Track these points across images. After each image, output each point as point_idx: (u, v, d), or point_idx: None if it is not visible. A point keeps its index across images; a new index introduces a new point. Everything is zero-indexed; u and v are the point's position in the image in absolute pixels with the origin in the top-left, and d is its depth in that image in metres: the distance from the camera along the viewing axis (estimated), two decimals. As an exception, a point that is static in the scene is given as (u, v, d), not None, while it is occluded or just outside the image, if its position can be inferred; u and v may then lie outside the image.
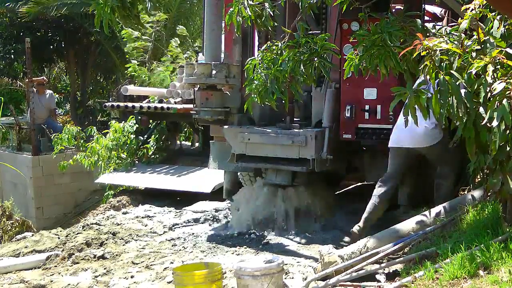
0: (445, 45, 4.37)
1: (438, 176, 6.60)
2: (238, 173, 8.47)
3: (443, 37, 4.58)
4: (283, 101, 5.82)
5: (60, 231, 8.25)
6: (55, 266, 6.58)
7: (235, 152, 7.43)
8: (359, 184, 9.29)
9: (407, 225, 5.77)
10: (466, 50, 4.53)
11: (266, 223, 7.43)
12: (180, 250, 6.90)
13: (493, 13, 4.62)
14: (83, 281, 5.97)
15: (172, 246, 7.10)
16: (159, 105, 10.78)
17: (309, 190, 7.42)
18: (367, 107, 6.82)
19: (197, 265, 5.29)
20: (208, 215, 8.40)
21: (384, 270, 5.24)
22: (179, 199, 9.58)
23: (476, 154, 4.70)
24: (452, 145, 5.17)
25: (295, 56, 5.37)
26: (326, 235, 7.13)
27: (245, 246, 6.82)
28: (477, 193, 5.73)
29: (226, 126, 7.60)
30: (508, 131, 4.15)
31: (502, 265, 4.04)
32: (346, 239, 6.79)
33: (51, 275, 6.29)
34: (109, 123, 11.62)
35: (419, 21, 5.16)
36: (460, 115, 4.35)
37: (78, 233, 7.85)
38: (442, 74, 4.30)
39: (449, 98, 4.30)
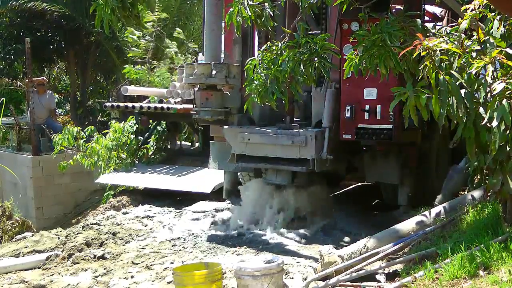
0: (445, 45, 4.36)
1: (454, 168, 6.57)
2: (238, 173, 8.47)
3: (443, 37, 4.58)
4: (283, 101, 5.81)
5: (60, 231, 8.25)
6: (55, 266, 6.58)
7: (235, 152, 7.43)
8: (359, 184, 9.29)
9: (407, 225, 5.77)
10: (466, 50, 4.51)
11: (266, 223, 7.43)
12: (180, 250, 6.89)
13: (493, 13, 4.62)
14: (83, 281, 5.97)
15: (172, 246, 7.10)
16: (159, 105, 10.77)
17: (309, 190, 7.41)
18: (367, 107, 6.81)
19: (197, 265, 5.29)
20: (208, 215, 8.39)
21: (384, 270, 5.23)
22: (179, 199, 9.57)
23: (476, 154, 4.69)
24: (452, 145, 5.16)
25: (295, 56, 5.36)
26: (326, 235, 7.12)
27: (245, 246, 6.82)
28: (477, 193, 5.73)
29: (226, 126, 7.60)
30: (508, 131, 4.15)
31: (502, 265, 4.04)
32: (346, 239, 6.79)
33: (51, 275, 6.29)
34: (109, 123, 11.60)
35: (419, 21, 5.15)
36: (460, 115, 4.34)
37: (78, 233, 7.85)
38: (442, 74, 4.29)
39: (449, 98, 4.29)
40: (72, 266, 6.51)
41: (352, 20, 6.76)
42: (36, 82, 12.80)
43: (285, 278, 5.32)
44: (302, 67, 5.34)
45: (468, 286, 3.97)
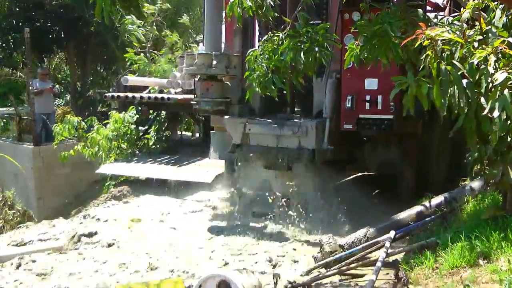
0: (447, 35, 4.30)
1: None
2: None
3: (445, 27, 4.55)
4: (284, 91, 5.80)
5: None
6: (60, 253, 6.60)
7: (236, 142, 7.43)
8: (360, 174, 9.29)
9: (407, 215, 5.79)
10: (468, 40, 4.49)
11: (266, 211, 7.44)
12: (178, 241, 6.88)
13: (496, 3, 4.60)
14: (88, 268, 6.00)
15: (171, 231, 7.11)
16: (159, 96, 10.75)
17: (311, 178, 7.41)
18: (368, 97, 6.80)
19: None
20: (209, 205, 8.40)
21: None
22: (180, 189, 9.55)
23: (477, 144, 4.66)
24: (452, 134, 5.14)
25: (296, 45, 5.34)
26: (327, 223, 7.10)
27: (245, 236, 6.84)
28: (477, 184, 5.74)
29: (226, 117, 7.60)
30: (509, 122, 4.13)
31: (502, 254, 4.05)
32: (347, 228, 6.79)
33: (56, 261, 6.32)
34: (109, 113, 11.60)
35: (420, 11, 5.14)
36: (462, 106, 4.31)
37: (80, 223, 7.88)
38: (443, 64, 4.24)
39: (451, 88, 4.27)
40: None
41: (353, 10, 6.74)
42: (42, 72, 13.25)
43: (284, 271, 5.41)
44: (302, 56, 5.31)
45: (467, 275, 3.98)
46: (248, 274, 4.74)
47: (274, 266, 5.79)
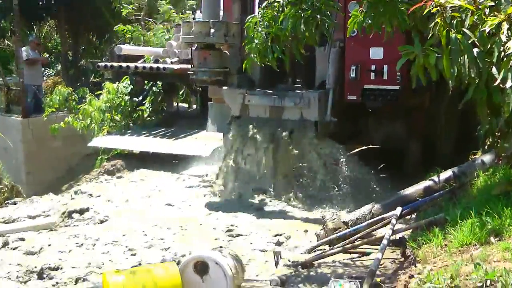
0: (457, 1, 4.14)
1: None
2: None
3: (454, -8, 4.36)
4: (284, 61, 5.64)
5: (52, 199, 8.12)
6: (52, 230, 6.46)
7: (235, 114, 7.30)
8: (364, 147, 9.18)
9: (415, 190, 5.64)
10: (479, 6, 4.31)
11: (267, 186, 7.30)
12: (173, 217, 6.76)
13: (509, -34, 4.40)
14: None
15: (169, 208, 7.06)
16: (154, 65, 10.57)
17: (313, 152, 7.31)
18: (373, 67, 6.64)
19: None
20: (206, 179, 8.26)
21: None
22: (176, 163, 9.42)
23: (488, 116, 4.52)
24: (462, 106, 5.05)
25: (297, 13, 5.13)
26: (331, 199, 6.96)
27: (244, 212, 6.74)
28: (488, 157, 5.60)
29: (225, 88, 7.46)
30: (522, 92, 3.99)
31: (514, 231, 3.92)
32: (351, 204, 6.68)
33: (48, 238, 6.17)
34: (102, 84, 11.42)
35: (429, -25, 4.92)
36: (472, 76, 4.14)
37: (71, 199, 7.76)
38: (453, 33, 4.08)
39: (460, 58, 4.09)
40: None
41: (358, -26, 6.53)
42: (35, 41, 13.31)
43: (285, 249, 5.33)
44: (302, 25, 5.11)
45: (478, 253, 3.85)
46: (229, 256, 4.58)
47: (275, 244, 5.68)
